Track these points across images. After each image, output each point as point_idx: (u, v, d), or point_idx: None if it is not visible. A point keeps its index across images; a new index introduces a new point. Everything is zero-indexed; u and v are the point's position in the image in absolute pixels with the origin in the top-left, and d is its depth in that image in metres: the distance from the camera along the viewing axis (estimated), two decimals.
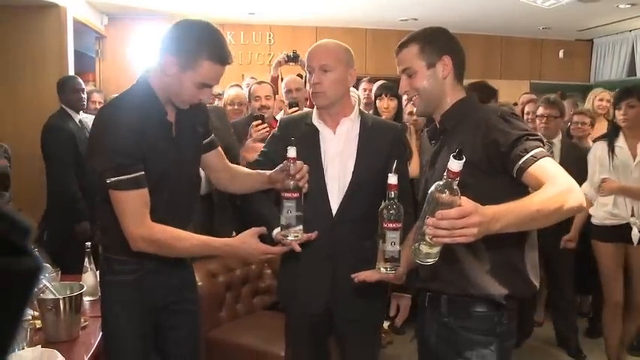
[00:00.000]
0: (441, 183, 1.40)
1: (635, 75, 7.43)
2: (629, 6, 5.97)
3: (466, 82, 1.86)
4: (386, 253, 1.69)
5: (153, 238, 1.74)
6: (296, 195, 1.81)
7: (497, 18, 6.59)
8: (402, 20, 6.79)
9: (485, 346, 1.62)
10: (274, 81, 4.08)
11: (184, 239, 1.79)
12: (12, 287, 0.36)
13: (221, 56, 1.74)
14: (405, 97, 3.36)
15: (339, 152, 2.02)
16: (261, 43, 7.28)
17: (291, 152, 1.84)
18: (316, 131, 2.04)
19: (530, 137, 1.53)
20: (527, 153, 1.48)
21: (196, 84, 1.73)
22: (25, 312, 0.39)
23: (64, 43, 4.92)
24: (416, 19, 6.73)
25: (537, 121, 3.57)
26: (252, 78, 4.85)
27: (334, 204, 1.99)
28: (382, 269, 1.70)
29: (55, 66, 4.86)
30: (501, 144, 1.53)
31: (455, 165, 1.38)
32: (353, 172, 1.99)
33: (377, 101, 3.51)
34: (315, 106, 2.09)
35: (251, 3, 5.88)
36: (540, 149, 1.50)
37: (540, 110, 3.56)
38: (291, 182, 1.82)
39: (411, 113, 3.44)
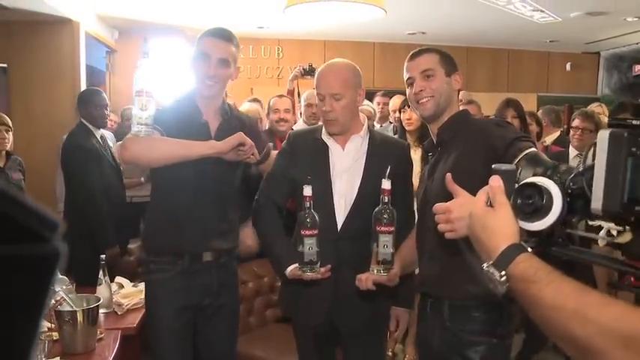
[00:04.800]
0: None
1: None
2: (636, 19, 6.00)
3: (473, 95, 1.96)
4: (379, 255, 1.83)
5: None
6: (315, 232, 1.90)
7: (504, 31, 6.62)
8: (410, 34, 6.83)
9: (487, 346, 1.72)
10: (290, 94, 4.12)
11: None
12: (39, 271, 0.38)
13: (211, 30, 2.10)
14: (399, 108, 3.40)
15: (347, 168, 2.06)
16: (269, 57, 7.33)
17: (307, 191, 1.90)
18: (325, 146, 2.08)
19: (523, 139, 1.66)
20: (522, 152, 1.57)
21: (198, 57, 2.09)
22: (48, 300, 0.40)
23: (77, 58, 4.98)
24: (424, 33, 6.77)
25: (572, 132, 3.58)
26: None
27: (340, 219, 2.04)
28: (375, 271, 1.84)
29: (68, 80, 4.92)
30: (498, 148, 1.63)
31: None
32: (359, 188, 2.03)
33: (400, 113, 3.47)
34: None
35: (260, 17, 5.95)
36: (533, 149, 1.59)
37: (576, 122, 3.58)
38: (308, 219, 1.89)
39: (409, 119, 3.43)
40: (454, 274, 1.74)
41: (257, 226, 2.18)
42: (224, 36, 2.09)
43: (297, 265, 1.95)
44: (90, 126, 3.55)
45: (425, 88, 1.81)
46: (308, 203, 1.90)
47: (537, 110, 5.18)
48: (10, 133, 3.70)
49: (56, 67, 4.91)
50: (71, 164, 3.45)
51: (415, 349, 3.39)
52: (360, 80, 2.09)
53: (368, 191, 1.98)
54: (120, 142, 4.36)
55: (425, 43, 1.93)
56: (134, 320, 2.44)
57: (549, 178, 0.89)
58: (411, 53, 1.90)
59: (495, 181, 0.96)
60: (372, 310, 2.08)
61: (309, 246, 1.90)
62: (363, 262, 1.95)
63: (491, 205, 0.96)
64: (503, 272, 0.89)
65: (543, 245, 0.93)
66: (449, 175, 1.45)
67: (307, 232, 1.89)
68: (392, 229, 1.81)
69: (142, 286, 2.75)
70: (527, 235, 0.93)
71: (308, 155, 2.07)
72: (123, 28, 6.47)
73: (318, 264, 1.93)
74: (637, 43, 7.35)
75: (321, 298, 2.04)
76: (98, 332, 2.15)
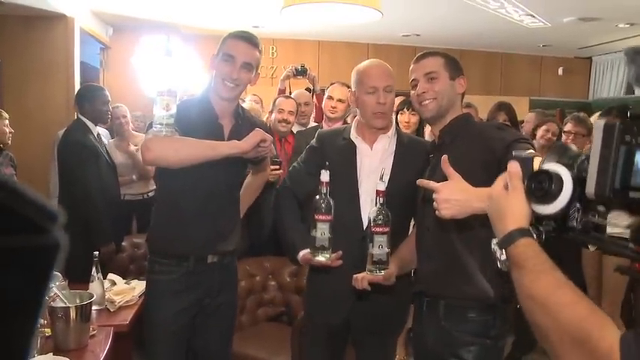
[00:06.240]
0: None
1: (633, 93, 7.49)
2: (627, 25, 6.06)
3: (466, 98, 2.00)
4: (374, 256, 1.86)
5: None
6: (329, 217, 1.91)
7: (497, 35, 6.67)
8: (404, 36, 6.86)
9: (480, 346, 1.75)
10: (281, 94, 4.12)
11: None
12: (38, 262, 0.37)
13: (238, 33, 2.11)
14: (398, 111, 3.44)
15: (375, 168, 2.08)
16: (264, 56, 7.32)
17: (324, 176, 1.92)
18: (353, 146, 2.11)
19: (522, 141, 1.68)
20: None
21: (222, 57, 2.08)
22: (47, 292, 0.39)
23: (71, 54, 4.96)
24: (418, 35, 6.80)
25: (564, 137, 3.61)
26: (254, 95, 4.87)
27: (365, 218, 2.05)
28: (370, 271, 1.87)
29: (62, 76, 4.89)
30: (497, 149, 1.65)
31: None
32: (386, 188, 2.03)
33: (398, 115, 3.50)
34: (356, 121, 2.17)
35: (255, 16, 5.95)
36: (531, 150, 1.62)
37: (568, 127, 3.60)
38: (323, 205, 1.91)
39: (407, 122, 3.47)
40: (450, 274, 1.77)
41: (275, 212, 2.23)
42: (251, 40, 2.09)
43: (309, 250, 1.97)
44: (88, 123, 3.49)
45: (428, 90, 1.84)
46: (325, 189, 1.92)
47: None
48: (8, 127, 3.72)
49: (50, 63, 4.88)
50: (69, 161, 3.41)
51: (405, 348, 3.43)
52: None
53: (395, 191, 1.99)
54: (113, 140, 4.38)
55: (419, 45, 1.97)
56: (126, 317, 2.44)
57: (570, 166, 0.93)
58: (416, 56, 1.93)
59: (513, 167, 1.01)
60: (390, 309, 2.12)
61: (322, 231, 1.91)
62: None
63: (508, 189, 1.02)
64: (503, 251, 0.97)
65: (560, 230, 0.98)
66: (445, 157, 1.48)
67: (321, 217, 1.91)
68: (387, 229, 1.84)
69: (134, 283, 2.76)
70: (544, 219, 0.98)
71: (336, 154, 2.09)
72: (117, 24, 6.45)
73: (330, 250, 1.93)
74: None
75: (344, 294, 2.07)
76: (91, 329, 2.15)
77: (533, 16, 5.63)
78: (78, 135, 3.44)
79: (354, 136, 2.13)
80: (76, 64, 5.06)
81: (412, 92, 1.91)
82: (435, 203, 1.47)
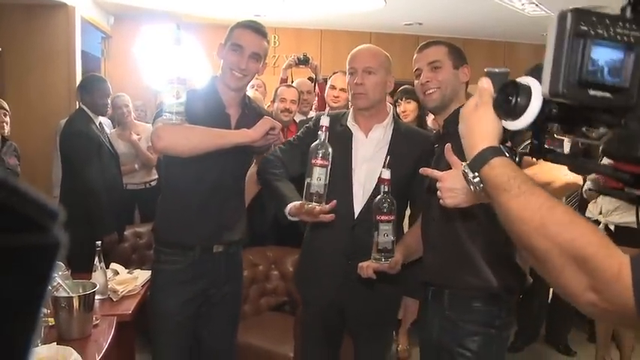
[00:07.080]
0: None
1: None
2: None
3: (469, 87, 1.98)
4: (379, 244, 1.85)
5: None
6: (327, 163, 1.87)
7: (501, 24, 6.62)
8: (406, 24, 6.81)
9: (485, 337, 1.75)
10: (283, 83, 4.11)
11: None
12: (39, 261, 0.37)
13: (247, 22, 2.08)
14: (400, 101, 3.42)
15: (369, 157, 2.08)
16: None
17: (324, 121, 1.90)
18: (350, 133, 2.11)
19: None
20: (524, 142, 1.58)
21: (230, 47, 2.05)
22: (48, 290, 0.39)
23: (72, 43, 4.94)
24: (420, 24, 6.76)
25: None
26: (257, 79, 4.83)
27: (357, 206, 2.06)
28: (375, 259, 1.86)
29: (63, 65, 4.88)
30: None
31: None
32: (379, 178, 2.02)
33: (396, 107, 3.47)
34: (352, 108, 2.16)
35: (257, 5, 5.91)
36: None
37: None
38: (321, 150, 1.87)
39: (404, 112, 3.45)
40: (455, 264, 1.78)
41: (263, 174, 2.17)
42: (260, 30, 2.08)
43: (299, 202, 1.91)
44: (90, 113, 3.50)
45: (431, 80, 1.84)
46: (323, 135, 1.88)
47: None
48: (8, 117, 3.69)
49: (51, 52, 4.86)
50: (71, 151, 3.41)
51: (408, 338, 3.44)
52: (390, 67, 2.13)
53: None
54: (115, 130, 4.37)
55: (421, 35, 1.96)
56: (129, 307, 2.44)
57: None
58: (420, 45, 1.93)
59: (484, 83, 0.95)
60: (383, 299, 2.12)
61: (319, 176, 1.85)
62: None
63: None
64: (476, 173, 0.90)
65: (536, 152, 0.91)
66: (448, 146, 1.47)
67: (319, 162, 1.86)
68: (392, 217, 1.83)
69: (137, 272, 2.76)
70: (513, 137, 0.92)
71: (332, 140, 2.04)
72: (119, 13, 6.42)
73: (324, 199, 1.87)
74: None
75: (332, 280, 2.08)
76: (94, 318, 2.16)
77: (536, 5, 5.58)
78: (80, 125, 3.44)
79: (350, 123, 2.13)
80: (77, 54, 5.05)
81: (416, 82, 1.91)
82: (438, 192, 1.46)
